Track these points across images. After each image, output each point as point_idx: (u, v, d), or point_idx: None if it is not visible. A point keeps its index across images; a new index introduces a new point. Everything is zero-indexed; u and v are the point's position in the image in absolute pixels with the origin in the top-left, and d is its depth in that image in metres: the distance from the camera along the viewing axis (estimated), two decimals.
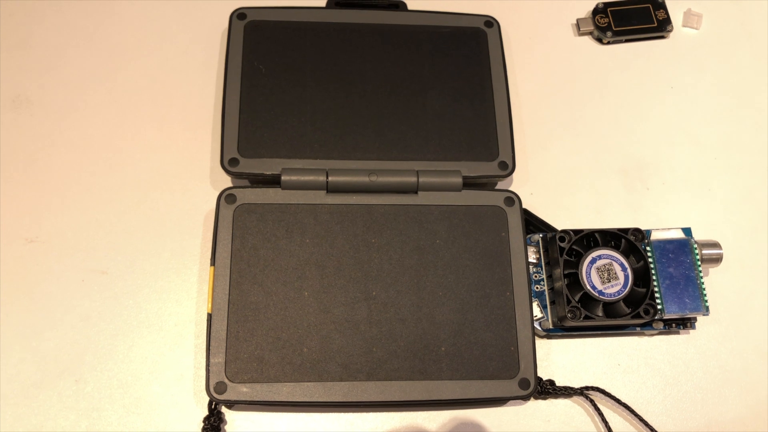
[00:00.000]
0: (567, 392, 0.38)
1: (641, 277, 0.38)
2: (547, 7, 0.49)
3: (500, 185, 0.42)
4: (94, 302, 0.38)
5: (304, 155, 0.39)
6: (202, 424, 0.36)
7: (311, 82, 0.41)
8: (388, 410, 0.38)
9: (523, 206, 0.40)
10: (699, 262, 0.39)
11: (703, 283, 0.38)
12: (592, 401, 0.38)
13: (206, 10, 0.46)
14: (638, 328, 0.39)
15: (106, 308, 0.38)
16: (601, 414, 0.37)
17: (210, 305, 0.36)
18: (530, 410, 0.38)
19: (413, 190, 0.39)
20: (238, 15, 0.42)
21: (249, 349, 0.35)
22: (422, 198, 0.39)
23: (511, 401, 0.38)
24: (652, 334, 0.40)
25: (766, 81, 0.47)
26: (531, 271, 0.39)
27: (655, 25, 0.47)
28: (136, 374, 0.37)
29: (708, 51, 0.48)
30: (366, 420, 0.37)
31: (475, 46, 0.43)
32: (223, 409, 0.37)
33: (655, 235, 0.40)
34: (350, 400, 0.35)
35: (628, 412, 0.38)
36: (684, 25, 0.49)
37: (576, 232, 0.38)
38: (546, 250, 0.40)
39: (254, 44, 0.41)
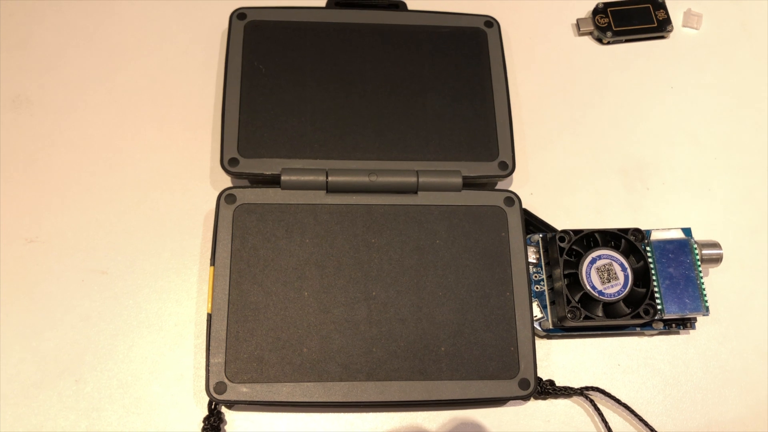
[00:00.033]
0: (567, 392, 0.38)
1: (641, 277, 0.38)
2: (547, 7, 0.49)
3: (500, 185, 0.42)
4: (94, 302, 0.38)
5: (304, 155, 0.39)
6: (201, 424, 0.36)
7: (311, 82, 0.41)
8: (388, 410, 0.38)
9: (523, 206, 0.40)
10: (699, 262, 0.39)
11: (703, 284, 0.38)
12: (592, 401, 0.38)
13: (206, 10, 0.46)
14: (638, 329, 0.39)
15: (106, 308, 0.38)
16: (601, 414, 0.37)
17: (210, 305, 0.36)
18: (530, 410, 0.38)
19: (413, 190, 0.39)
20: (238, 15, 0.42)
21: (249, 349, 0.35)
22: (422, 198, 0.39)
23: (511, 401, 0.38)
24: (652, 335, 0.40)
25: (766, 81, 0.47)
26: (531, 271, 0.39)
27: (655, 25, 0.47)
28: (136, 374, 0.37)
29: (708, 51, 0.48)
30: (366, 420, 0.37)
31: (475, 46, 0.43)
32: (223, 409, 0.37)
33: (655, 235, 0.40)
34: (350, 400, 0.35)
35: (628, 412, 0.38)
36: (684, 25, 0.49)
37: (576, 232, 0.38)
38: (546, 250, 0.40)
39: (254, 44, 0.41)
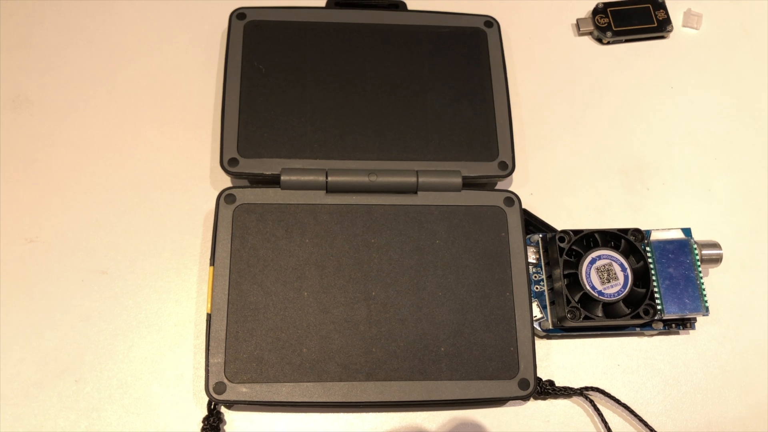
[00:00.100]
0: (567, 392, 0.38)
1: (641, 277, 0.38)
2: (547, 7, 0.48)
3: (500, 185, 0.42)
4: (94, 302, 0.38)
5: (303, 155, 0.39)
6: (201, 424, 0.36)
7: (311, 82, 0.41)
8: (387, 410, 0.38)
9: (523, 206, 0.40)
10: (699, 263, 0.39)
11: (702, 284, 0.38)
12: (591, 401, 0.38)
13: (206, 10, 0.46)
14: (638, 329, 0.39)
15: (106, 308, 0.38)
16: (600, 414, 0.37)
17: (209, 305, 0.36)
18: (530, 410, 0.38)
19: (413, 190, 0.39)
20: (238, 15, 0.42)
21: (248, 350, 0.35)
22: (422, 198, 0.39)
23: (510, 401, 0.38)
24: (652, 335, 0.40)
25: (766, 81, 0.47)
26: (531, 272, 0.39)
27: (655, 25, 0.47)
28: (136, 374, 0.37)
29: (708, 51, 0.48)
30: (365, 420, 0.37)
31: (475, 46, 0.43)
32: (223, 410, 0.37)
33: (655, 236, 0.40)
34: (350, 400, 0.35)
35: (627, 412, 0.38)
36: (684, 25, 0.49)
37: (576, 232, 0.38)
38: (546, 251, 0.40)
39: (254, 44, 0.41)
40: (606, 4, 0.48)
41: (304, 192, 0.38)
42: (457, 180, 0.39)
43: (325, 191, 0.39)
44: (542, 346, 0.39)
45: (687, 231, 0.40)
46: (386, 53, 0.42)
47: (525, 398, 0.36)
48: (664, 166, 0.44)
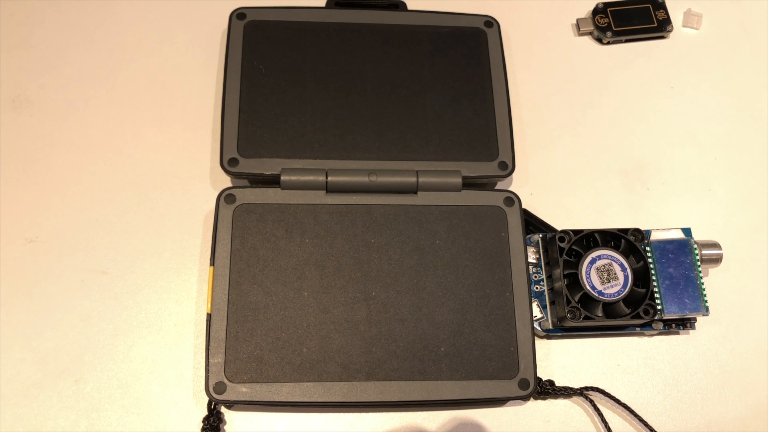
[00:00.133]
0: (567, 392, 0.38)
1: (641, 277, 0.38)
2: (547, 7, 0.48)
3: (500, 185, 0.42)
4: (94, 302, 0.38)
5: (303, 155, 0.39)
6: (201, 424, 0.36)
7: (311, 82, 0.41)
8: (387, 410, 0.38)
9: (523, 206, 0.40)
10: (699, 263, 0.39)
11: (702, 284, 0.38)
12: (591, 401, 0.38)
13: (206, 10, 0.46)
14: (638, 329, 0.39)
15: (106, 308, 0.38)
16: (600, 414, 0.37)
17: (209, 305, 0.36)
18: (530, 410, 0.38)
19: (413, 190, 0.39)
20: (238, 15, 0.42)
21: (248, 349, 0.35)
22: (422, 198, 0.39)
23: (510, 401, 0.38)
24: (652, 335, 0.40)
25: (766, 81, 0.47)
26: (531, 272, 0.39)
27: (655, 25, 0.47)
28: (136, 374, 0.37)
29: (708, 51, 0.48)
30: (366, 420, 0.37)
31: (475, 46, 0.43)
32: (223, 409, 0.37)
33: (655, 236, 0.40)
34: (350, 400, 0.35)
35: (627, 412, 0.38)
36: (684, 25, 0.49)
37: (576, 232, 0.38)
38: (546, 251, 0.40)
39: (254, 44, 0.41)
40: (606, 4, 0.48)
41: (304, 192, 0.38)
42: (457, 180, 0.39)
43: (325, 191, 0.39)
44: (542, 346, 0.39)
45: (687, 231, 0.40)
46: (386, 53, 0.42)
47: (525, 398, 0.36)
48: (664, 166, 0.44)
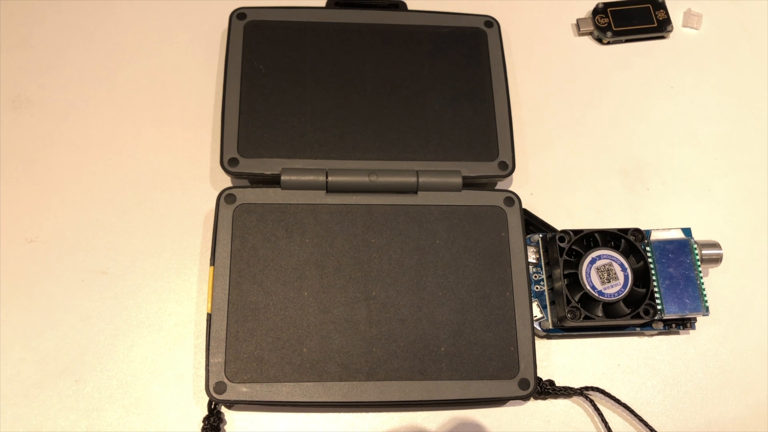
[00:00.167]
0: (567, 392, 0.38)
1: (641, 277, 0.38)
2: (547, 7, 0.49)
3: (500, 185, 0.42)
4: (94, 302, 0.38)
5: (304, 155, 0.39)
6: (201, 424, 0.36)
7: (311, 82, 0.41)
8: (387, 410, 0.38)
9: (523, 206, 0.40)
10: (699, 263, 0.39)
11: (703, 284, 0.38)
12: (591, 401, 0.38)
13: (206, 10, 0.46)
14: (638, 329, 0.39)
15: (106, 308, 0.38)
16: (600, 414, 0.37)
17: (210, 305, 0.36)
18: (530, 410, 0.38)
19: (413, 190, 0.39)
20: (238, 15, 0.42)
21: (248, 349, 0.35)
22: (422, 198, 0.39)
23: (510, 401, 0.38)
24: (652, 335, 0.40)
25: (766, 81, 0.47)
26: (531, 271, 0.39)
27: (655, 25, 0.47)
28: (136, 374, 0.37)
29: (708, 51, 0.48)
30: (366, 420, 0.37)
31: (475, 46, 0.43)
32: (223, 409, 0.37)
33: (655, 236, 0.40)
34: (350, 400, 0.35)
35: (627, 412, 0.38)
36: (684, 25, 0.49)
37: (576, 232, 0.38)
38: (546, 250, 0.40)
39: (254, 44, 0.41)
40: (606, 4, 0.48)
41: (304, 192, 0.38)
42: (457, 180, 0.39)
43: (325, 191, 0.39)
44: (542, 346, 0.39)
45: (687, 231, 0.40)
46: (386, 53, 0.42)
47: (525, 398, 0.36)
48: (664, 166, 0.44)
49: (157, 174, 0.42)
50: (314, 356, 0.35)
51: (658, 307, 0.38)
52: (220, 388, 0.35)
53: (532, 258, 0.39)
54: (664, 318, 0.38)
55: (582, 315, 0.37)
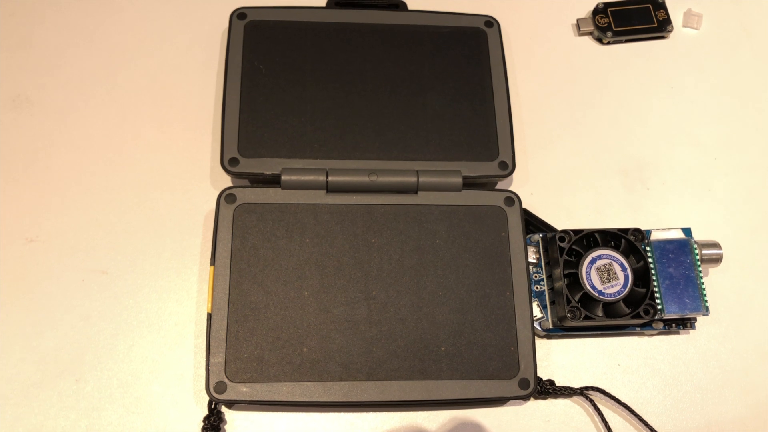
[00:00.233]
0: (567, 392, 0.38)
1: (641, 277, 0.38)
2: (547, 7, 0.49)
3: (500, 185, 0.42)
4: (94, 302, 0.38)
5: (304, 155, 0.39)
6: (202, 424, 0.36)
7: (311, 82, 0.41)
8: (388, 410, 0.38)
9: (523, 206, 0.40)
10: (699, 263, 0.39)
11: (703, 284, 0.38)
12: (591, 401, 0.38)
13: (206, 10, 0.46)
14: (638, 328, 0.39)
15: (106, 308, 0.38)
16: (600, 414, 0.37)
17: (210, 305, 0.36)
18: (530, 410, 0.38)
19: (413, 190, 0.39)
20: (238, 15, 0.42)
21: (249, 349, 0.35)
22: (422, 198, 0.39)
23: (510, 401, 0.38)
24: (652, 334, 0.40)
25: (766, 81, 0.47)
26: (531, 271, 0.39)
27: (655, 25, 0.47)
28: (136, 374, 0.37)
29: (708, 51, 0.48)
30: (366, 420, 0.37)
31: (475, 46, 0.43)
32: (223, 409, 0.37)
33: (655, 235, 0.40)
34: (350, 399, 0.35)
35: (627, 412, 0.38)
36: (684, 25, 0.49)
37: (576, 232, 0.38)
38: (546, 250, 0.40)
39: (254, 44, 0.41)
40: (606, 4, 0.48)
41: (304, 192, 0.38)
42: (458, 180, 0.39)
43: (325, 191, 0.39)
44: (542, 345, 0.39)
45: (687, 231, 0.40)
46: (386, 53, 0.42)
47: (525, 398, 0.36)
48: (664, 166, 0.44)
49: (157, 174, 0.42)
50: (314, 356, 0.35)
51: (658, 307, 0.38)
52: (221, 387, 0.35)
53: (532, 258, 0.39)
54: (664, 318, 0.38)
55: (582, 315, 0.37)
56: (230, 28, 0.42)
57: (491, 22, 0.44)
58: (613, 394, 0.38)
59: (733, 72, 0.47)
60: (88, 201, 0.41)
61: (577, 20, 0.48)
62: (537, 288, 0.39)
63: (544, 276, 0.39)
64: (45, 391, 0.37)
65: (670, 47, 0.48)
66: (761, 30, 0.49)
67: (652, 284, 0.38)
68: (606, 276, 0.38)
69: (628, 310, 0.37)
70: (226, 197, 0.38)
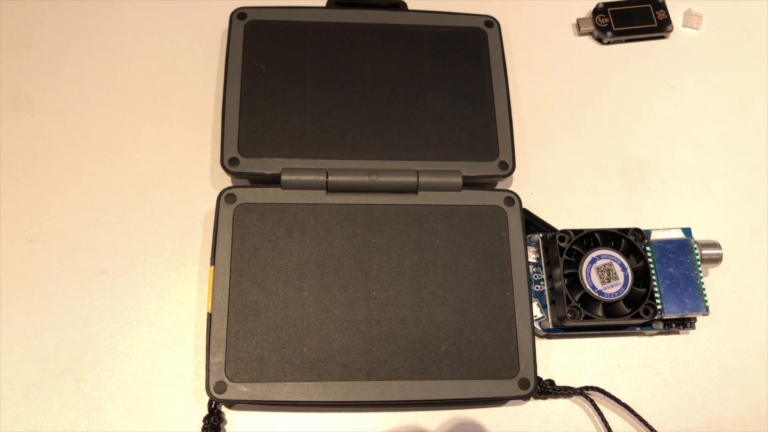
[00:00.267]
0: (567, 392, 0.38)
1: (641, 277, 0.38)
2: (547, 7, 0.49)
3: (500, 185, 0.42)
4: (94, 302, 0.38)
5: (304, 155, 0.39)
6: (202, 424, 0.36)
7: (311, 82, 0.41)
8: (388, 410, 0.38)
9: (523, 206, 0.40)
10: (699, 262, 0.39)
11: (702, 283, 0.38)
12: (591, 401, 0.38)
13: (206, 10, 0.46)
14: (638, 328, 0.39)
15: (106, 308, 0.38)
16: (600, 414, 0.37)
17: (210, 305, 0.36)
18: (530, 410, 0.38)
19: (413, 189, 0.39)
20: (239, 15, 0.42)
21: (249, 349, 0.35)
22: (422, 198, 0.39)
23: (510, 401, 0.38)
24: (652, 334, 0.40)
25: (766, 81, 0.47)
26: (531, 271, 0.39)
27: (655, 25, 0.47)
28: (136, 374, 0.37)
29: (708, 51, 0.48)
30: (366, 420, 0.37)
31: (475, 46, 0.43)
32: (223, 409, 0.37)
33: (655, 235, 0.40)
34: (350, 399, 0.35)
35: (627, 412, 0.38)
36: (684, 25, 0.49)
37: (576, 232, 0.38)
38: (546, 250, 0.40)
39: (254, 44, 0.41)
40: (606, 4, 0.48)
41: (304, 191, 0.38)
42: (458, 180, 0.39)
43: (325, 191, 0.39)
44: (542, 345, 0.39)
45: (687, 231, 0.40)
46: (386, 53, 0.42)
47: (525, 398, 0.37)
48: (664, 166, 0.44)
49: (157, 174, 0.42)
50: (314, 356, 0.35)
51: (658, 306, 0.38)
52: (221, 387, 0.35)
53: (532, 258, 0.39)
54: (664, 318, 0.38)
55: (582, 315, 0.37)
56: (230, 28, 0.42)
57: (491, 22, 0.44)
58: (613, 394, 0.38)
59: (733, 72, 0.47)
60: (88, 201, 0.41)
61: (577, 20, 0.48)
62: (537, 288, 0.39)
63: (544, 276, 0.39)
64: (45, 391, 0.37)
65: (670, 47, 0.48)
66: (761, 30, 0.49)
67: (652, 284, 0.38)
68: (606, 276, 0.38)
69: (628, 310, 0.37)
70: (226, 197, 0.38)
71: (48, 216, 0.40)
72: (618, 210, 0.43)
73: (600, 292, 0.37)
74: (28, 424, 0.36)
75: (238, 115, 0.40)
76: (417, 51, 0.42)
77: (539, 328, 0.39)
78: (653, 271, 0.38)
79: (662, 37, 0.48)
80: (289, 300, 0.36)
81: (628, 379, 0.39)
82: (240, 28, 0.42)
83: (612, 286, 0.37)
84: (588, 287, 0.37)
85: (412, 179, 0.39)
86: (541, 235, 0.40)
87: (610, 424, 0.38)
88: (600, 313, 0.37)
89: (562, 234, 0.38)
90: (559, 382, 0.38)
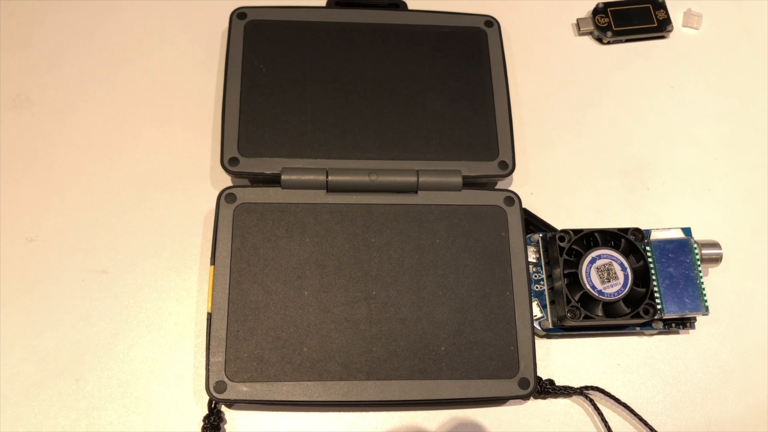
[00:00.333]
0: (566, 392, 0.38)
1: (641, 276, 0.38)
2: (547, 7, 0.49)
3: (500, 185, 0.42)
4: (94, 302, 0.38)
5: (304, 154, 0.39)
6: (202, 423, 0.36)
7: (311, 82, 0.41)
8: (387, 410, 0.38)
9: (523, 206, 0.40)
10: (699, 262, 0.39)
11: (702, 283, 0.38)
12: (591, 401, 0.38)
13: (206, 10, 0.46)
14: (638, 328, 0.39)
15: (106, 308, 0.38)
16: (600, 414, 0.37)
17: (210, 304, 0.36)
18: (530, 410, 0.38)
19: (413, 189, 0.39)
20: (239, 15, 0.42)
21: (249, 349, 0.35)
22: (422, 198, 0.39)
23: (510, 401, 0.38)
24: (652, 334, 0.40)
25: (766, 81, 0.47)
26: (531, 271, 0.39)
27: (655, 25, 0.48)
28: (136, 373, 0.37)
29: (708, 51, 0.48)
30: (366, 420, 0.37)
31: (475, 46, 0.43)
32: (223, 409, 0.37)
33: (655, 235, 0.40)
34: (350, 399, 0.35)
35: (627, 412, 0.38)
36: (684, 25, 0.49)
37: (576, 231, 0.38)
38: (546, 250, 0.40)
39: (254, 44, 0.41)
40: (606, 4, 0.48)
41: (304, 191, 0.38)
42: (458, 179, 0.39)
43: (325, 190, 0.39)
44: (542, 345, 0.39)
45: (687, 231, 0.40)
46: (386, 53, 0.42)
47: (525, 397, 0.37)
48: (664, 166, 0.44)
49: (157, 174, 0.42)
50: (314, 355, 0.35)
51: (658, 306, 0.38)
52: (221, 387, 0.35)
53: (532, 257, 0.39)
54: (664, 317, 0.38)
55: (582, 314, 0.37)
56: (230, 28, 0.42)
57: (491, 22, 0.44)
58: (613, 393, 0.38)
59: (733, 72, 0.47)
60: (88, 201, 0.41)
61: (577, 20, 0.48)
62: (537, 288, 0.39)
63: (543, 276, 0.39)
64: (45, 391, 0.37)
65: (670, 47, 0.48)
66: (761, 30, 0.49)
67: (651, 284, 0.38)
68: (606, 276, 0.38)
69: (627, 310, 0.37)
70: (226, 197, 0.38)
71: (48, 216, 0.40)
72: (618, 210, 0.43)
73: (600, 292, 0.37)
74: (28, 424, 0.36)
75: (238, 114, 0.40)
76: (417, 51, 0.42)
77: (539, 328, 0.39)
78: (653, 271, 0.38)
79: (662, 37, 0.48)
80: (289, 300, 0.36)
81: (628, 379, 0.39)
82: (240, 28, 0.42)
83: (612, 286, 0.37)
84: (588, 287, 0.37)
85: (412, 179, 0.39)
86: (541, 235, 0.40)
87: (610, 424, 0.38)
88: (600, 313, 0.37)
89: (562, 234, 0.38)
90: (558, 382, 0.38)
